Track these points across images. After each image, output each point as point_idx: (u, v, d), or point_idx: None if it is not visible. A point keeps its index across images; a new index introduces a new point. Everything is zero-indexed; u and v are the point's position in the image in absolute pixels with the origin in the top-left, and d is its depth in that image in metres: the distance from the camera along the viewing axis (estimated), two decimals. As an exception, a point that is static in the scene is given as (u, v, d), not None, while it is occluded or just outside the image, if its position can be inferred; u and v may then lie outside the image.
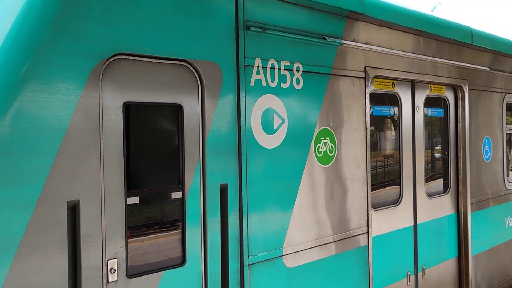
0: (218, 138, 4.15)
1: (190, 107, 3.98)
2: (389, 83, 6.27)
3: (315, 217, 5.04)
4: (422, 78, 6.62)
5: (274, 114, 4.63)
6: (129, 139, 3.63)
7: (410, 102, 6.65)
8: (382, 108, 6.32)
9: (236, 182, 4.28)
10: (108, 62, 3.45)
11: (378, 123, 6.41)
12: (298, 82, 4.87)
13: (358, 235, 5.54)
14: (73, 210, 3.26)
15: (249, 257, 4.38)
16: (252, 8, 4.45)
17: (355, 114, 5.53)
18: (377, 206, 6.04)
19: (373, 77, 5.85)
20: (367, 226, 5.66)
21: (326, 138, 5.17)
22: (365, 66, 5.65)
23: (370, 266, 5.66)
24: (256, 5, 4.50)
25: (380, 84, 6.11)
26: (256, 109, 4.48)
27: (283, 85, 4.72)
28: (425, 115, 7.01)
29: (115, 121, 3.49)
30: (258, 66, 4.49)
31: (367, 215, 5.66)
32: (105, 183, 3.41)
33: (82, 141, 3.28)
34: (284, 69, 4.73)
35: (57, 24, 3.19)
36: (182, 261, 3.91)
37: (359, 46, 5.54)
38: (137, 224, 3.73)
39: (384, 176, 6.54)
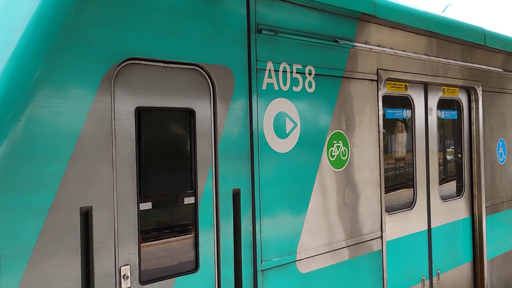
0: (231, 142, 4.12)
1: (202, 111, 3.95)
2: (402, 85, 6.21)
3: (328, 221, 4.98)
4: (435, 80, 6.55)
5: (286, 118, 4.59)
6: (141, 144, 3.60)
7: (423, 104, 6.58)
8: (395, 111, 6.25)
9: (248, 186, 4.24)
10: (120, 67, 3.43)
11: (391, 126, 6.34)
12: (310, 85, 4.82)
13: (372, 239, 5.47)
14: (86, 216, 3.24)
15: (262, 262, 4.33)
16: (263, 11, 4.42)
17: (368, 117, 5.48)
18: (390, 210, 5.97)
19: (386, 80, 5.79)
20: (381, 230, 5.59)
21: (339, 141, 5.12)
22: (377, 69, 5.59)
23: (384, 271, 5.59)
24: (268, 8, 4.47)
25: (392, 87, 6.04)
26: (268, 113, 4.43)
27: (295, 89, 4.68)
28: (438, 118, 6.93)
29: (127, 126, 3.47)
30: (270, 70, 4.45)
31: (381, 219, 5.59)
32: (118, 189, 3.38)
33: (94, 146, 3.25)
34: (296, 73, 4.69)
35: (69, 30, 3.17)
36: (195, 267, 3.87)
37: (371, 49, 5.49)
38: (149, 230, 3.70)
39: (398, 179, 6.47)
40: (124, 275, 3.40)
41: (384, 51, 5.67)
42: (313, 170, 4.85)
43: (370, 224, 5.46)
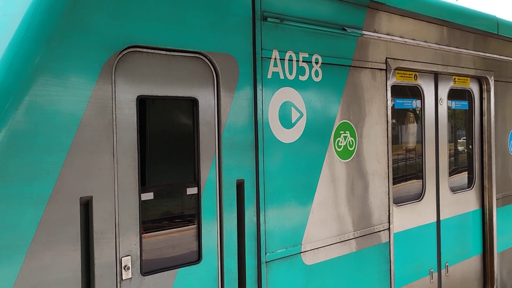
0: (234, 132, 4.05)
1: (206, 100, 3.88)
2: (411, 75, 6.08)
3: (334, 213, 4.91)
4: (445, 69, 6.41)
5: (292, 107, 4.51)
6: (143, 134, 3.55)
7: (433, 94, 6.45)
8: (404, 101, 6.14)
9: (253, 177, 4.17)
10: (121, 55, 3.36)
11: (400, 116, 6.24)
12: (317, 74, 4.73)
13: (379, 231, 5.39)
14: (86, 206, 3.20)
15: (267, 254, 4.28)
16: None
17: (376, 107, 5.37)
18: (399, 201, 5.88)
19: (395, 69, 5.68)
20: (389, 222, 5.51)
21: (346, 132, 5.03)
22: (386, 58, 5.48)
23: (391, 263, 5.52)
24: None
25: (402, 76, 5.92)
26: (274, 102, 4.36)
27: (301, 78, 4.59)
28: (449, 108, 6.80)
29: (128, 115, 3.41)
30: (275, 58, 4.37)
31: (389, 210, 5.51)
32: (119, 179, 3.34)
33: (95, 136, 3.21)
34: (303, 61, 4.59)
35: (68, 17, 3.11)
36: (198, 258, 3.83)
37: (380, 37, 5.37)
38: (151, 221, 3.65)
39: (406, 170, 6.37)
40: (125, 266, 3.36)
41: (394, 39, 5.55)
42: (319, 161, 4.78)
43: (378, 216, 5.38)
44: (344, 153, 5.01)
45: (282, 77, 4.42)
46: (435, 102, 6.47)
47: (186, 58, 3.76)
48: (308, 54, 4.64)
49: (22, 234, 2.90)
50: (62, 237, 3.05)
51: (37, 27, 3.00)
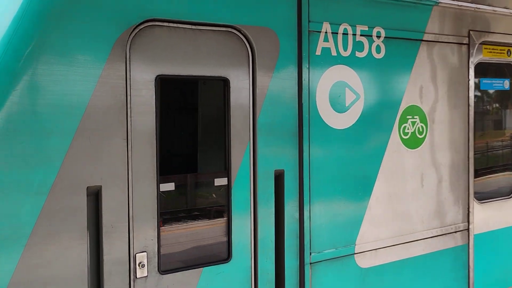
0: (273, 117, 3.57)
1: (239, 80, 3.43)
2: (503, 50, 5.19)
3: (398, 209, 4.28)
4: None
5: (346, 88, 3.93)
6: (163, 118, 3.20)
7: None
8: (494, 81, 5.27)
9: (295, 168, 3.68)
10: (137, 30, 3.02)
11: (487, 99, 5.38)
12: (378, 50, 4.09)
13: (455, 232, 4.67)
14: (95, 196, 2.92)
15: (312, 254, 3.78)
16: None
17: (454, 88, 4.62)
18: (483, 197, 5.06)
19: (481, 43, 4.85)
20: (468, 221, 4.75)
21: (415, 117, 4.35)
22: (469, 30, 4.68)
23: (470, 270, 4.77)
24: None
25: (491, 52, 5.06)
26: (323, 82, 3.81)
27: (358, 54, 3.99)
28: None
29: (146, 97, 3.07)
30: (326, 32, 3.80)
31: (468, 208, 4.75)
32: (133, 167, 3.02)
33: (105, 119, 2.91)
34: (361, 35, 3.99)
35: None
36: (227, 256, 3.43)
37: (461, 6, 4.58)
38: (172, 213, 3.31)
39: (497, 161, 5.50)
40: (140, 263, 3.06)
41: (479, 9, 4.72)
42: (380, 150, 4.17)
43: (454, 214, 4.65)
44: (412, 141, 4.34)
45: (334, 53, 3.86)
46: None
47: (215, 32, 3.34)
48: (368, 27, 4.02)
49: (20, 225, 2.68)
50: (66, 230, 2.79)
51: (39, 0, 2.74)
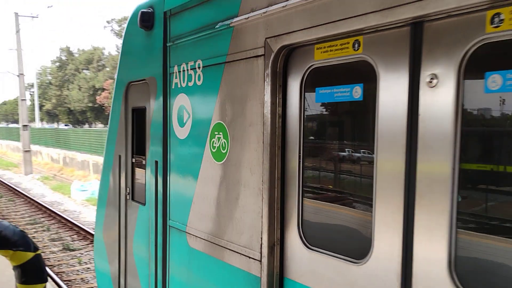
0: (154, 127, 5.94)
1: (149, 108, 6.17)
2: (347, 43, 3.59)
3: (210, 212, 4.97)
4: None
5: (184, 110, 5.39)
6: None
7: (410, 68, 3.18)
8: (336, 90, 3.70)
9: (163, 159, 5.81)
10: None
11: (330, 113, 3.75)
12: (199, 78, 5.10)
13: (250, 258, 4.39)
14: None
15: (169, 220, 5.72)
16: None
17: (251, 105, 4.35)
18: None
19: (280, 49, 3.99)
20: (260, 254, 4.25)
21: (220, 133, 4.79)
22: (265, 39, 4.15)
23: None
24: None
25: (326, 52, 3.79)
26: (175, 106, 5.58)
27: (189, 84, 5.27)
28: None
29: None
30: (175, 72, 5.53)
31: (261, 240, 4.24)
32: None
33: None
34: (191, 69, 5.24)
35: None
36: (144, 202, 6.27)
37: (254, 16, 4.26)
38: None
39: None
40: None
41: (271, 10, 4.00)
42: (199, 158, 5.10)
43: (249, 239, 4.39)
44: (218, 155, 4.82)
45: (179, 85, 5.47)
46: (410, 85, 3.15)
47: (142, 82, 6.29)
48: (194, 62, 5.17)
49: None
50: None
51: None
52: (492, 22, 2.70)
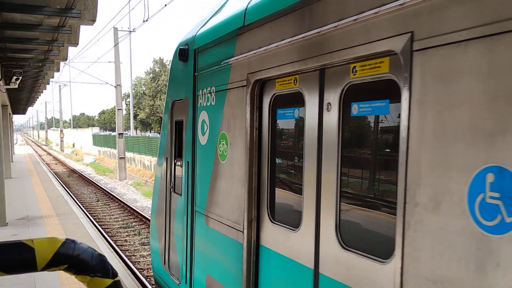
0: (190, 134, 7.84)
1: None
2: (291, 80, 5.23)
3: (219, 198, 6.72)
4: (330, 58, 4.68)
5: (204, 122, 7.19)
6: None
7: (316, 98, 4.78)
8: (286, 111, 5.34)
9: (192, 160, 7.68)
10: None
11: (288, 130, 5.35)
12: (213, 100, 6.90)
13: (239, 231, 6.10)
14: None
15: (195, 206, 7.56)
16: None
17: (239, 122, 6.06)
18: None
19: (256, 81, 5.68)
20: (243, 227, 5.94)
21: (223, 141, 6.54)
22: (247, 74, 5.86)
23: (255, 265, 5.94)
24: None
25: (281, 85, 5.44)
26: (199, 119, 7.40)
27: (207, 104, 7.08)
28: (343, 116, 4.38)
29: None
30: (200, 94, 7.39)
31: (243, 222, 5.94)
32: None
33: None
34: (208, 92, 7.05)
35: None
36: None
37: (242, 57, 5.99)
38: None
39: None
40: None
41: (255, 53, 5.70)
42: (212, 157, 6.88)
43: (237, 216, 6.10)
44: (223, 156, 6.58)
45: (203, 104, 7.29)
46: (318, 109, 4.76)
47: (180, 100, 8.22)
48: (209, 87, 6.99)
49: None
50: None
51: None
52: (353, 71, 4.24)
